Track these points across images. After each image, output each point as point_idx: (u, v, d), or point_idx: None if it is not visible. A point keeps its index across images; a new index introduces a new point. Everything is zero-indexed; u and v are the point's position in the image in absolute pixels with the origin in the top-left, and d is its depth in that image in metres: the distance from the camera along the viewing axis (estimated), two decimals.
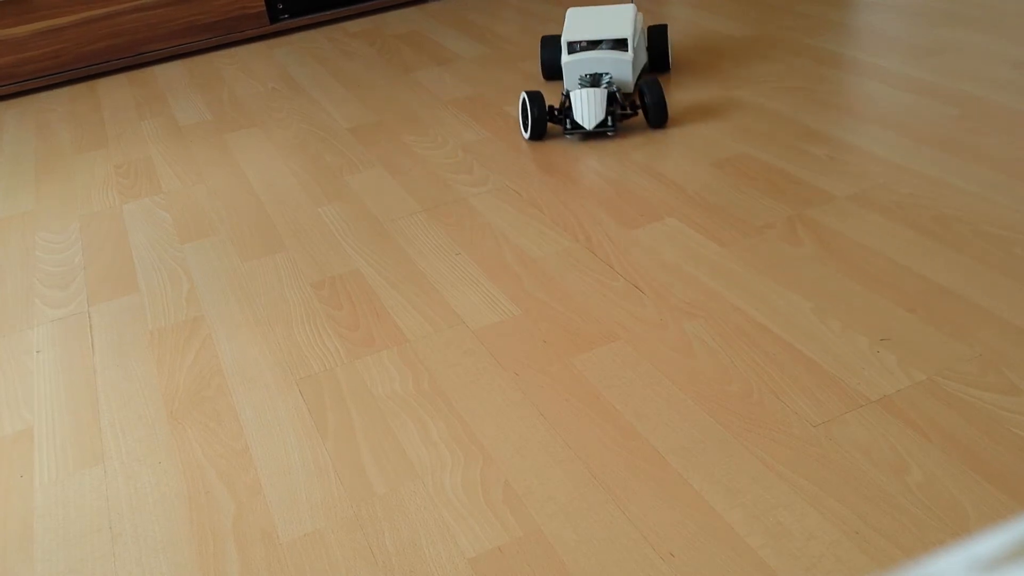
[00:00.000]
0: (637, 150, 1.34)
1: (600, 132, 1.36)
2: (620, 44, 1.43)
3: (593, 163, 1.32)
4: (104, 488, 0.83)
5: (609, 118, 1.33)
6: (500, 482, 0.77)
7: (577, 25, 1.47)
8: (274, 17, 2.15)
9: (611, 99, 1.36)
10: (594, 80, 1.39)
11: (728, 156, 1.28)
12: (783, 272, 1.00)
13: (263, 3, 2.12)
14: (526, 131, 1.38)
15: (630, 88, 1.44)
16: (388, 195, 1.30)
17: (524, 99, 1.36)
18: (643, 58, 1.53)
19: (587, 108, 1.32)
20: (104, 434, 0.90)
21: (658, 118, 1.36)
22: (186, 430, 0.89)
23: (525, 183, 1.28)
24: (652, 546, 0.69)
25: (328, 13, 2.21)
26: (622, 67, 1.43)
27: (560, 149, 1.37)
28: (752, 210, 1.14)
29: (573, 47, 1.45)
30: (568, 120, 1.35)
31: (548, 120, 1.37)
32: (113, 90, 1.94)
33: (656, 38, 1.56)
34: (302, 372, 0.95)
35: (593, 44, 1.44)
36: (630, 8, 1.48)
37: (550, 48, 1.58)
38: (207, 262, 1.19)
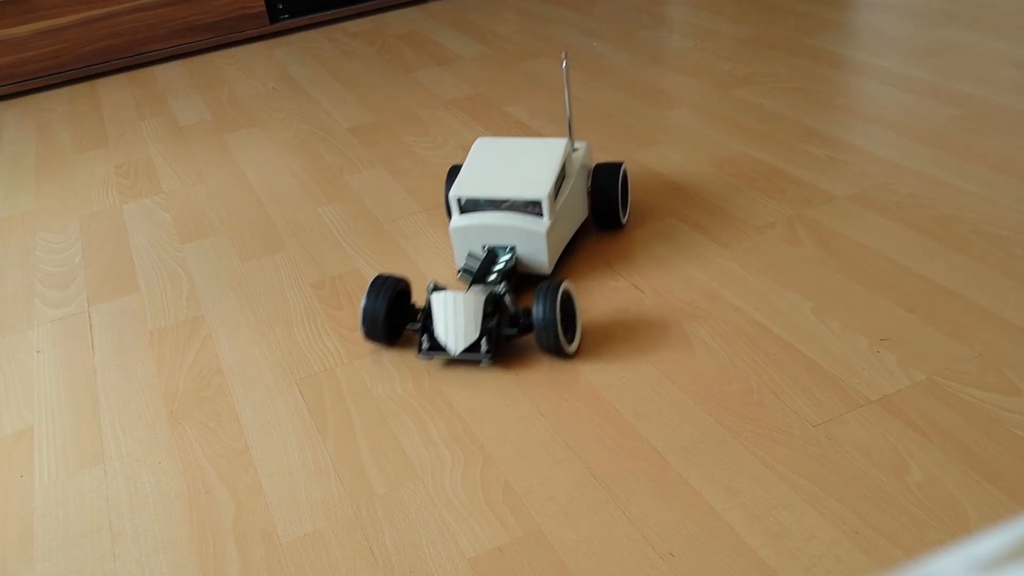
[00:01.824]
0: (636, 153, 1.34)
1: (469, 358, 0.90)
2: (534, 206, 0.98)
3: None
4: (104, 488, 0.83)
5: (483, 340, 0.89)
6: (500, 482, 0.77)
7: (477, 169, 1.02)
8: (274, 17, 2.15)
9: (494, 305, 0.90)
10: (489, 260, 0.98)
11: (728, 156, 1.28)
12: (783, 272, 1.00)
13: (263, 3, 2.12)
14: (362, 327, 0.93)
15: (546, 270, 1.00)
16: (388, 195, 1.30)
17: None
18: (579, 215, 1.08)
19: (451, 324, 0.89)
20: (104, 434, 0.90)
21: (549, 343, 0.88)
22: (186, 430, 0.89)
23: None
24: (652, 546, 0.69)
25: (328, 13, 2.21)
26: (533, 242, 0.97)
27: None
28: (752, 210, 1.14)
29: (470, 205, 1.00)
30: (425, 335, 0.91)
31: (404, 325, 0.95)
32: (113, 90, 1.94)
33: (604, 183, 1.07)
34: (302, 372, 0.95)
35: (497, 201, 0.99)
36: (560, 146, 1.03)
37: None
38: (207, 262, 1.19)
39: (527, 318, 0.90)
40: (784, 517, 0.70)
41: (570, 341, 0.90)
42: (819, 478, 0.73)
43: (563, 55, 1.04)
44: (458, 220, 1.00)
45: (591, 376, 0.88)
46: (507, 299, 0.90)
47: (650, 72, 1.63)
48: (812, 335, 0.90)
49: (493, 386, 0.89)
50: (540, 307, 0.87)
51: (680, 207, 1.16)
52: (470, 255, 1.00)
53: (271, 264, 1.16)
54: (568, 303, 0.91)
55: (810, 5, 1.88)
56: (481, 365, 0.91)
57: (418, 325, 0.92)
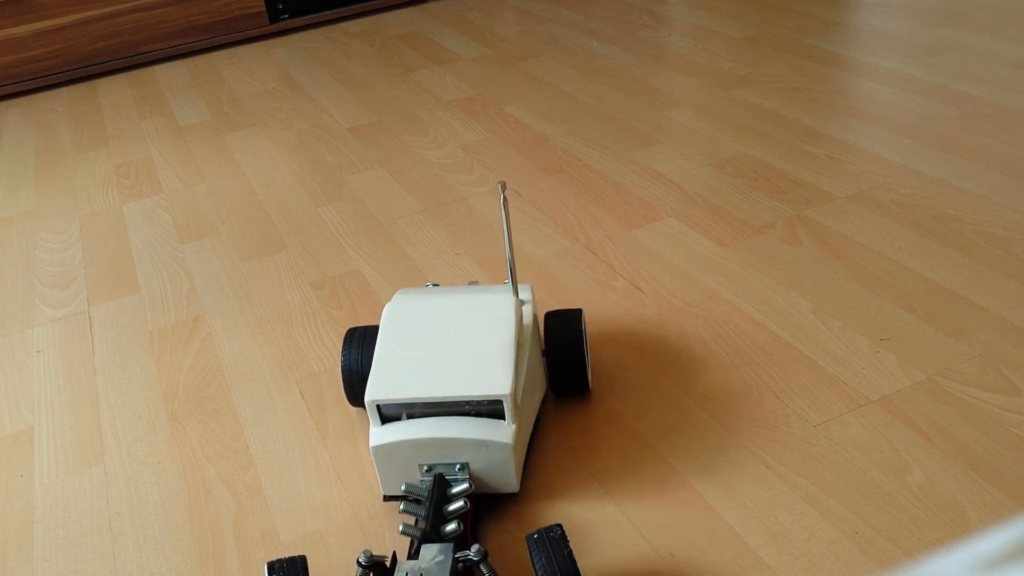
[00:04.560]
0: (635, 152, 1.34)
1: None
2: (492, 404, 0.71)
3: (594, 163, 1.32)
4: (104, 488, 0.83)
5: None
6: None
7: (398, 356, 0.73)
8: (274, 17, 2.15)
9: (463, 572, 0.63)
10: (439, 495, 0.69)
11: (728, 156, 1.28)
12: (783, 272, 1.00)
13: (263, 3, 2.12)
14: None
15: (511, 487, 0.72)
16: (388, 195, 1.30)
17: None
18: (539, 395, 0.81)
19: None
20: (104, 434, 0.90)
21: None
22: (186, 430, 0.89)
23: (525, 183, 1.28)
24: (652, 546, 0.69)
25: (328, 13, 2.21)
26: (494, 455, 0.71)
27: (559, 148, 1.37)
28: (752, 210, 1.14)
29: (392, 412, 0.72)
30: None
31: None
32: (113, 90, 1.94)
33: (563, 340, 0.81)
34: (302, 372, 0.95)
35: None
36: (507, 305, 0.76)
37: (359, 352, 0.82)
38: (207, 262, 1.19)
39: None
40: (784, 517, 0.70)
41: None
42: (819, 478, 0.73)
43: (500, 186, 0.75)
44: (381, 435, 0.70)
45: (591, 376, 0.88)
46: (483, 568, 0.62)
47: (650, 72, 1.63)
48: (812, 335, 0.90)
49: None
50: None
51: (680, 207, 1.16)
52: (407, 490, 0.70)
53: (271, 264, 1.16)
54: (568, 562, 0.61)
55: (810, 5, 1.88)
56: None
57: None
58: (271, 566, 0.62)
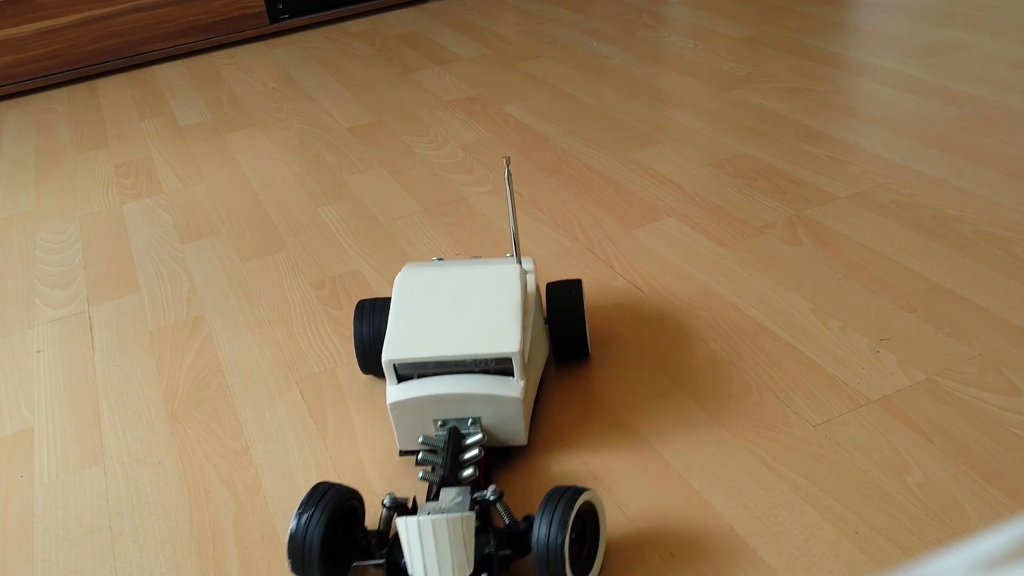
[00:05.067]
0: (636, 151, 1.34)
1: None
2: (501, 363, 0.76)
3: (594, 163, 1.32)
4: (104, 488, 0.83)
5: None
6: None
7: (412, 320, 0.78)
8: (274, 17, 2.15)
9: (483, 519, 0.66)
10: (455, 446, 0.73)
11: (728, 156, 1.28)
12: (783, 272, 1.00)
13: (263, 3, 2.12)
14: (289, 560, 0.65)
15: (520, 441, 0.77)
16: (388, 195, 1.30)
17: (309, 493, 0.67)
18: (543, 358, 0.86)
19: (432, 561, 0.63)
20: (104, 434, 0.90)
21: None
22: (186, 430, 0.89)
23: (525, 183, 1.28)
24: (652, 546, 0.69)
25: (328, 13, 2.21)
26: (504, 410, 0.76)
27: (559, 148, 1.37)
28: (752, 210, 1.14)
29: (407, 371, 0.76)
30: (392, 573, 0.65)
31: (357, 558, 0.67)
32: (113, 90, 1.94)
33: (564, 308, 0.86)
34: (302, 372, 0.95)
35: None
36: (512, 274, 0.80)
37: (370, 322, 0.87)
38: (207, 262, 1.19)
39: (528, 530, 0.64)
40: (784, 517, 0.70)
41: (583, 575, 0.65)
42: (819, 478, 0.73)
43: (505, 161, 0.81)
44: (398, 392, 0.75)
45: (591, 376, 0.88)
46: (499, 507, 0.66)
47: (650, 72, 1.63)
48: (812, 335, 0.90)
49: None
50: (545, 527, 0.62)
51: (680, 207, 1.16)
52: (424, 442, 0.74)
53: (271, 264, 1.16)
54: (591, 522, 0.66)
55: (810, 5, 1.88)
56: None
57: (378, 561, 0.66)
58: (318, 487, 0.67)
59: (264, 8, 2.13)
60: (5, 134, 1.77)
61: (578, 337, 0.86)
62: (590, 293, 1.01)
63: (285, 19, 2.17)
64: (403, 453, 0.79)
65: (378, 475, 0.80)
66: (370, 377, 0.92)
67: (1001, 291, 0.93)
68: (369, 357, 0.87)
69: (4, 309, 1.15)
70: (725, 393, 0.84)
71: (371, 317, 0.87)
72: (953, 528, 0.68)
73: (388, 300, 0.87)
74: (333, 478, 0.80)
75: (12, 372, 1.02)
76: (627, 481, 0.75)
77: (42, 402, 0.96)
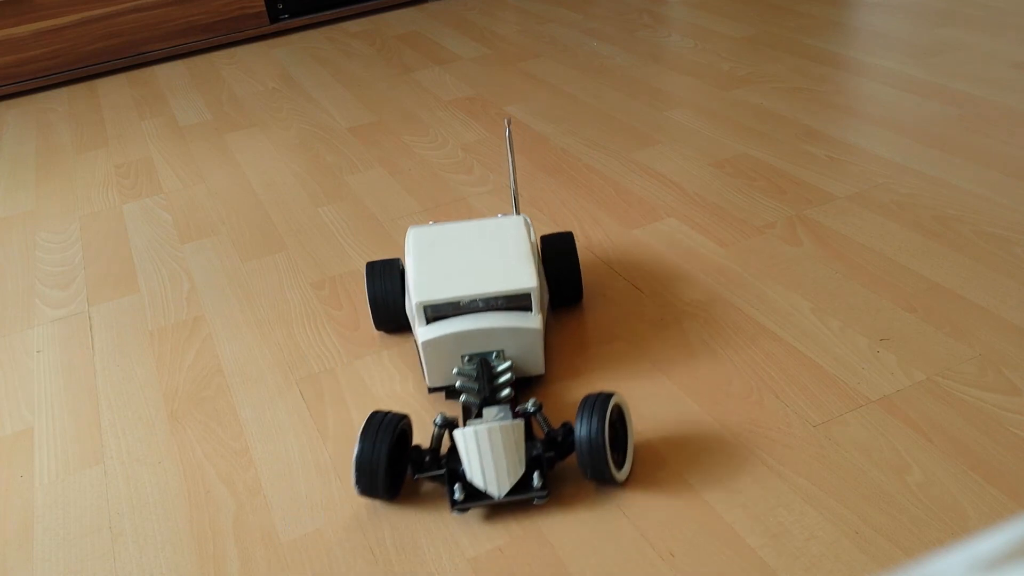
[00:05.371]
0: (636, 152, 1.34)
1: (520, 499, 0.74)
2: (519, 300, 0.84)
3: (594, 163, 1.32)
4: (104, 488, 0.83)
5: (535, 475, 0.72)
6: None
7: (433, 267, 0.85)
8: (274, 17, 2.15)
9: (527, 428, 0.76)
10: (487, 372, 0.81)
11: (728, 156, 1.28)
12: (783, 272, 1.00)
13: (263, 3, 2.12)
14: (357, 480, 0.73)
15: (540, 370, 0.86)
16: (388, 195, 1.30)
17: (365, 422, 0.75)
18: (547, 299, 0.93)
19: (489, 464, 0.72)
20: (104, 434, 0.90)
21: (595, 470, 0.72)
22: (186, 430, 0.89)
23: (526, 183, 1.28)
24: (652, 546, 0.69)
25: (328, 13, 2.21)
26: (526, 341, 0.84)
27: (559, 148, 1.37)
28: (752, 210, 1.14)
29: (437, 311, 0.83)
30: (456, 483, 0.73)
31: (417, 472, 0.75)
32: (113, 90, 1.94)
33: (559, 257, 0.94)
34: (302, 372, 0.95)
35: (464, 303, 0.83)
36: (517, 224, 0.90)
37: (382, 280, 0.94)
38: (207, 262, 1.19)
39: (567, 436, 0.75)
40: (784, 517, 0.70)
41: (620, 466, 0.74)
42: (819, 478, 0.73)
43: (507, 121, 0.93)
44: (430, 331, 0.82)
45: (591, 376, 0.88)
46: (539, 417, 0.75)
47: (650, 72, 1.63)
48: (812, 335, 0.90)
49: None
50: (585, 426, 0.71)
51: (680, 207, 1.16)
52: (460, 372, 0.82)
53: (271, 264, 1.16)
54: (620, 421, 0.76)
55: (810, 5, 1.88)
56: (535, 504, 0.74)
57: (439, 472, 0.74)
58: (375, 415, 0.74)
59: (264, 8, 2.13)
60: (5, 134, 1.77)
61: (573, 279, 0.94)
62: (589, 293, 1.01)
63: (285, 19, 2.17)
64: (432, 390, 0.87)
65: None
66: (370, 376, 0.92)
67: (1001, 291, 0.93)
68: (382, 313, 0.94)
69: (4, 309, 1.15)
70: (725, 393, 0.84)
71: (382, 277, 0.94)
72: (953, 528, 0.68)
73: (396, 261, 0.95)
74: (333, 478, 0.80)
75: (12, 372, 1.02)
76: (627, 481, 0.75)
77: (42, 402, 0.96)
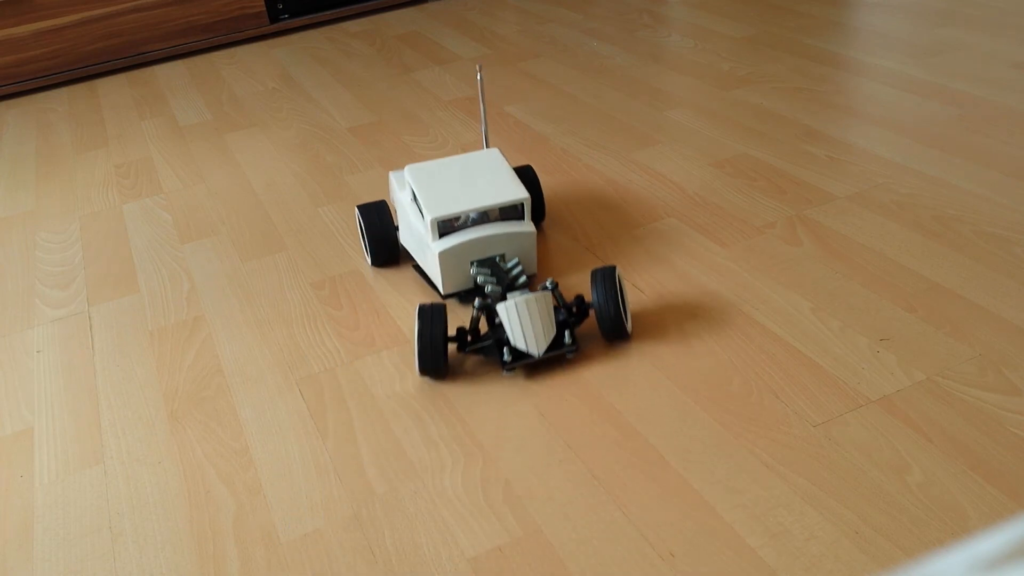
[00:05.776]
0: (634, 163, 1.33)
1: (556, 355, 0.90)
2: (512, 211, 0.99)
3: (594, 163, 1.32)
4: (104, 488, 0.83)
5: (567, 333, 0.89)
6: (500, 482, 0.77)
7: (437, 192, 1.00)
8: (274, 17, 2.15)
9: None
10: (500, 269, 0.97)
11: (728, 156, 1.28)
12: (783, 272, 1.00)
13: (263, 3, 2.12)
14: (420, 360, 0.89)
15: (533, 269, 1.03)
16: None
17: (418, 312, 0.89)
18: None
19: (528, 328, 0.88)
20: (104, 434, 0.90)
21: (612, 326, 0.90)
22: (186, 430, 0.89)
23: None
24: (652, 546, 0.69)
25: (328, 13, 2.21)
26: (522, 245, 1.00)
27: (559, 148, 1.37)
28: (752, 210, 1.14)
29: (446, 227, 0.98)
30: (504, 348, 0.88)
31: (465, 348, 0.91)
32: (113, 90, 1.94)
33: (525, 180, 1.13)
34: (302, 372, 0.95)
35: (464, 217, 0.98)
36: (496, 154, 1.06)
37: (378, 221, 1.08)
38: (207, 262, 1.19)
39: (580, 305, 0.92)
40: (784, 517, 0.70)
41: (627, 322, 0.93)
42: (819, 478, 0.73)
43: (478, 66, 1.07)
44: (444, 243, 0.97)
45: (591, 376, 0.88)
46: (556, 293, 0.92)
47: (650, 72, 1.63)
48: (812, 335, 0.90)
49: (493, 386, 0.89)
50: (601, 292, 0.89)
51: (680, 207, 1.16)
52: (478, 271, 0.97)
53: (271, 264, 1.16)
54: (622, 286, 0.93)
55: (810, 5, 1.88)
56: (568, 358, 0.91)
57: (486, 343, 0.90)
58: (424, 307, 0.88)
59: (264, 8, 2.13)
60: (5, 134, 1.77)
61: (538, 211, 1.14)
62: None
63: (285, 19, 2.17)
64: (446, 297, 1.02)
65: (378, 474, 0.80)
66: (370, 376, 0.92)
67: (1001, 291, 0.93)
68: (381, 251, 1.08)
69: (4, 309, 1.15)
70: (725, 393, 0.84)
71: (377, 215, 1.07)
72: (953, 528, 0.68)
73: (383, 203, 1.08)
74: (333, 478, 0.80)
75: (12, 372, 1.02)
76: (627, 481, 0.75)
77: (42, 402, 0.96)
